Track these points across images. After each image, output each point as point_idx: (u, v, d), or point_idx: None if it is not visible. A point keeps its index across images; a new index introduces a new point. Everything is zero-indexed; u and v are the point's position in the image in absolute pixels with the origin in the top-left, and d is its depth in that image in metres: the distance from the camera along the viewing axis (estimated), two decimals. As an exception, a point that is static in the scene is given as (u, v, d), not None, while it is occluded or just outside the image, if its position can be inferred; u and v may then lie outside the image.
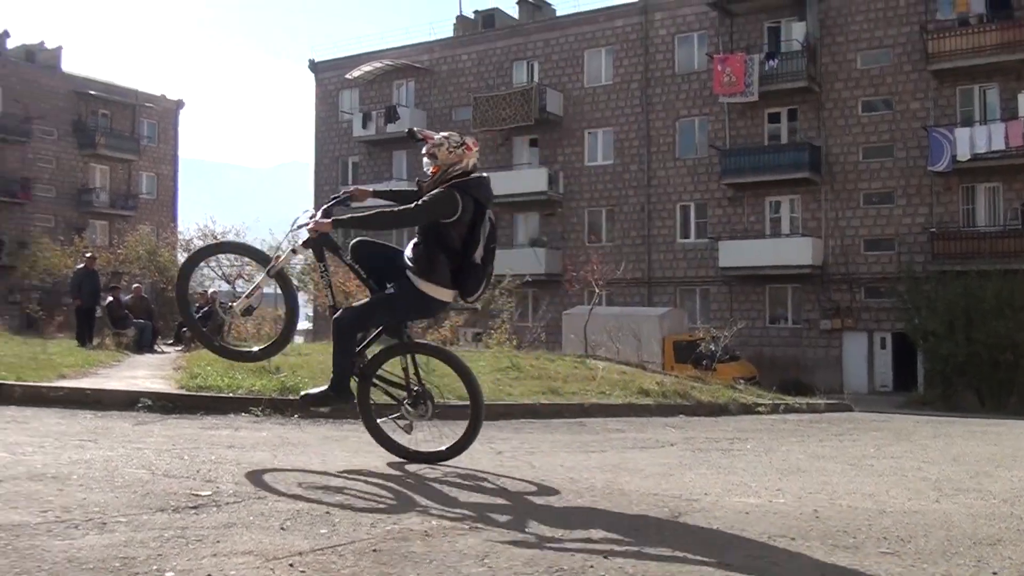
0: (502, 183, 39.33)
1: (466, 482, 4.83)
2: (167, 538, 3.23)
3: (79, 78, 52.13)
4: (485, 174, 5.15)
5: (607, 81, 38.76)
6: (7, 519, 3.45)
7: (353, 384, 5.28)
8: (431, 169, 5.08)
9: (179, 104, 56.64)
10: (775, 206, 35.04)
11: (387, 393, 5.35)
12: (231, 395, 7.97)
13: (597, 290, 25.52)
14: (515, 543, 3.46)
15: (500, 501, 4.38)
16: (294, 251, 5.43)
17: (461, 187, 4.96)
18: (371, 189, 5.36)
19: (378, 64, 43.65)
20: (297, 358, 12.56)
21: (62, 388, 8.06)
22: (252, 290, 5.51)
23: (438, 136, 5.11)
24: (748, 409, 12.25)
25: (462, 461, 5.46)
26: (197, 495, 4.02)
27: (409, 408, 5.23)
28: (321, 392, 5.21)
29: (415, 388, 5.23)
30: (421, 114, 42.35)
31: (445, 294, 5.01)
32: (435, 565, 3.09)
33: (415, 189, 5.20)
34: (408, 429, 5.29)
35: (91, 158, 50.87)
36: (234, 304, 5.48)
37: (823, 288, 33.43)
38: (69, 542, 3.14)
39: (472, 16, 45.61)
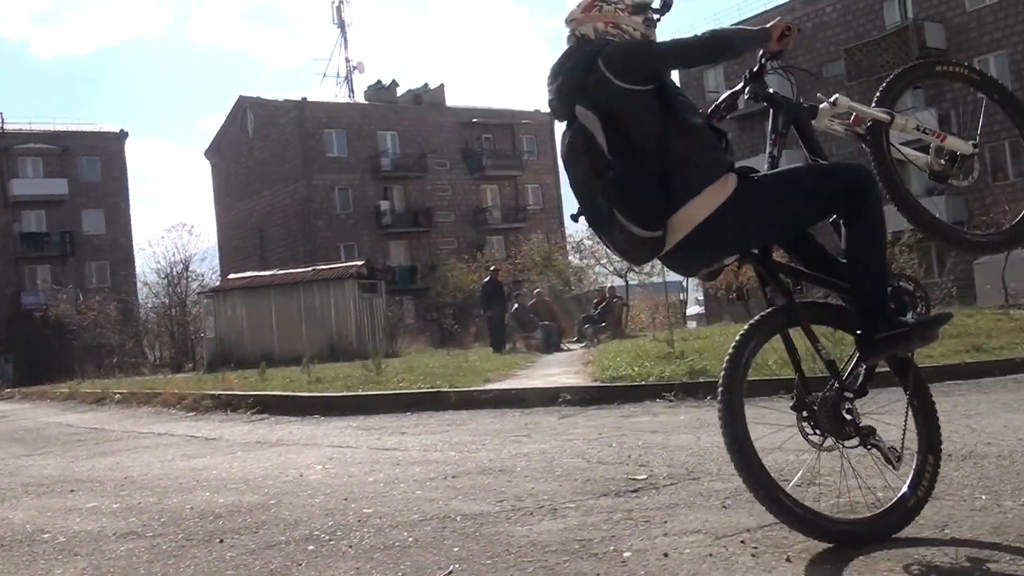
0: (887, 134, 36.87)
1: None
2: (616, 520, 3.36)
3: (461, 109, 56.43)
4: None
5: (992, 0, 34.96)
6: (470, 509, 3.79)
7: None
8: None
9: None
10: None
11: None
12: (643, 383, 8.16)
13: (1013, 232, 23.01)
14: (974, 511, 3.19)
15: (944, 468, 4.04)
16: None
17: None
18: None
19: (737, 37, 42.75)
20: (698, 342, 12.63)
21: (490, 390, 8.73)
22: None
23: None
24: None
25: (889, 429, 5.14)
26: (634, 479, 4.15)
27: None
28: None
29: None
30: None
31: None
32: (892, 536, 2.92)
33: None
34: None
35: (481, 180, 54.89)
36: None
37: None
38: (528, 527, 3.38)
39: (831, -35, 43.29)
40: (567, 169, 2.99)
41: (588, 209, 2.96)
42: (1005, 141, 34.52)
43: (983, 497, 3.40)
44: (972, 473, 3.89)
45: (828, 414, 2.93)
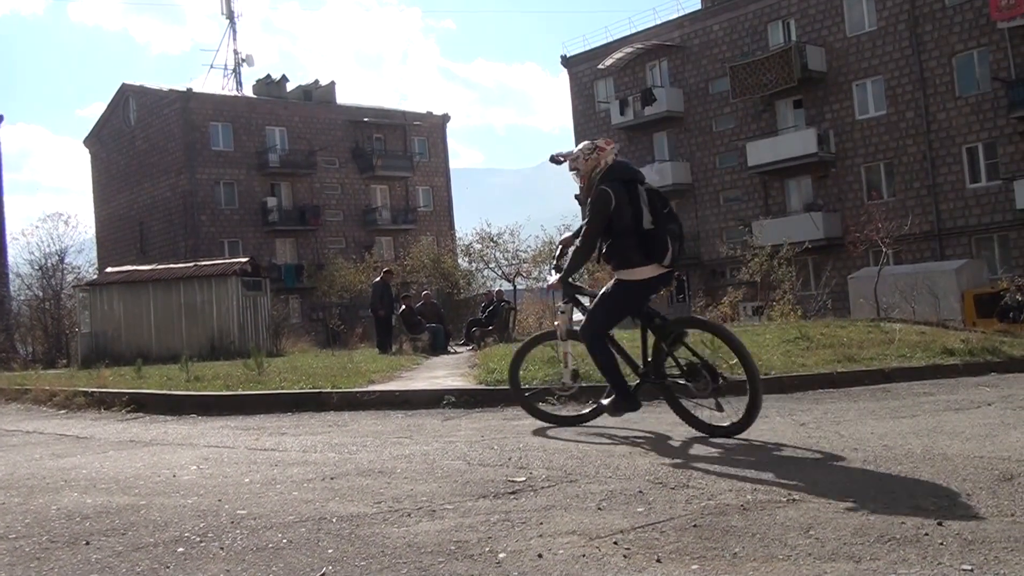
0: (768, 150, 38.00)
1: (772, 454, 4.71)
2: (493, 522, 3.39)
3: (352, 108, 55.82)
4: (622, 159, 5.76)
5: (871, 27, 36.43)
6: (346, 511, 3.76)
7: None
8: (579, 182, 5.77)
9: (445, 118, 59.25)
10: (1080, 135, 31.56)
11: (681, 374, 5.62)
12: (527, 387, 8.21)
13: (884, 249, 24.09)
14: (839, 513, 3.33)
15: (812, 472, 4.23)
16: (562, 311, 6.43)
17: (605, 180, 5.54)
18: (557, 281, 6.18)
19: (629, 49, 43.53)
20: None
21: (374, 392, 8.66)
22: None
23: (574, 151, 5.78)
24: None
25: (764, 434, 5.34)
26: (513, 481, 4.19)
27: (689, 384, 5.49)
28: (611, 403, 5.82)
29: (686, 364, 5.51)
30: (677, 92, 41.77)
31: (643, 272, 5.52)
32: (759, 538, 3.02)
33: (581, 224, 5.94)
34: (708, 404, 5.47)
35: (371, 180, 54.38)
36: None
37: None
38: (405, 529, 3.37)
39: (719, -16, 44.49)
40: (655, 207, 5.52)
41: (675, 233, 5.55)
42: (880, 162, 36.14)
43: (849, 500, 3.55)
44: (839, 477, 4.06)
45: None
